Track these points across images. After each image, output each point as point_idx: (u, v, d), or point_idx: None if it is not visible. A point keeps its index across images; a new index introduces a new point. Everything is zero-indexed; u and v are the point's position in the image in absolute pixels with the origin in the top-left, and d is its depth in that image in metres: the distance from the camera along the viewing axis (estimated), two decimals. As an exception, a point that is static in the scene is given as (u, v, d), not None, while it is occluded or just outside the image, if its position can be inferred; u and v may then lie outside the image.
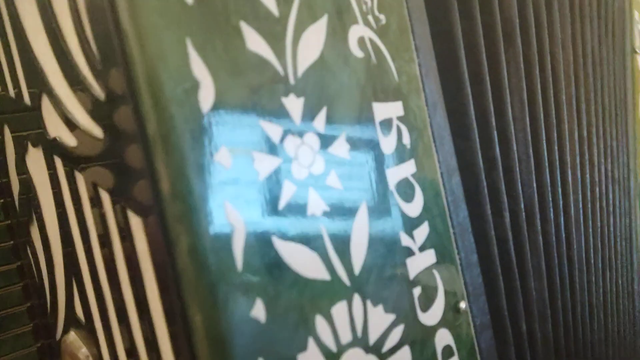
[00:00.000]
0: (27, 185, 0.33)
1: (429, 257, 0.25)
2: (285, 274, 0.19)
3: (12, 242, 0.38)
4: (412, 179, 0.25)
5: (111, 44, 0.18)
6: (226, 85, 0.18)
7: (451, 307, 0.26)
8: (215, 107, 0.18)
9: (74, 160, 0.24)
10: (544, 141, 0.33)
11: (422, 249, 0.25)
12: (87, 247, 0.26)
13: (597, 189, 0.37)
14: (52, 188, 0.28)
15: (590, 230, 0.36)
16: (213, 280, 0.17)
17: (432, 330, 0.25)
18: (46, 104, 0.27)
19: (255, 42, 0.19)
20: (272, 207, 0.19)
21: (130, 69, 0.17)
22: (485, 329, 0.28)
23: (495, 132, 0.31)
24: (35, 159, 0.31)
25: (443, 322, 0.26)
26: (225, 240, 0.18)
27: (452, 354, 0.26)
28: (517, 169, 0.32)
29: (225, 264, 0.18)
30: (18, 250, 0.38)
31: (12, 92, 0.31)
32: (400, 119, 0.25)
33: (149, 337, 0.20)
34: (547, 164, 0.33)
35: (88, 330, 0.29)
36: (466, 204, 0.29)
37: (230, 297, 0.18)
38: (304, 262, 0.20)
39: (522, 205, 0.32)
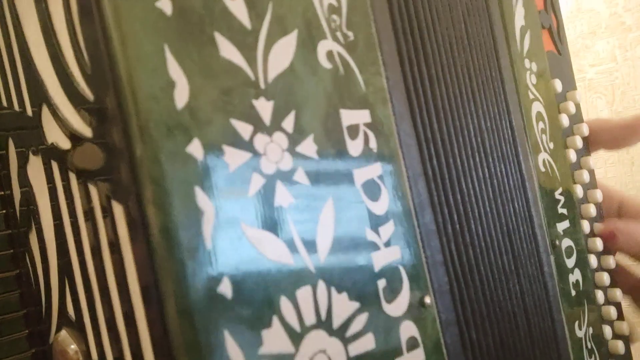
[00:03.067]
0: (27, 197, 0.36)
1: (394, 252, 0.27)
2: (252, 256, 0.21)
3: (11, 250, 0.40)
4: (378, 180, 0.28)
5: (99, 50, 0.20)
6: (200, 86, 0.21)
7: (416, 301, 0.28)
8: (189, 104, 0.20)
9: (67, 162, 0.27)
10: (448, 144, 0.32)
11: (387, 244, 0.27)
12: (78, 244, 0.28)
13: (495, 181, 0.35)
14: (49, 191, 0.31)
15: (499, 232, 0.35)
16: (183, 257, 0.19)
17: (397, 321, 0.27)
18: (45, 114, 0.29)
19: (228, 50, 0.22)
20: (241, 196, 0.22)
21: (114, 71, 0.20)
22: (450, 325, 0.30)
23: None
24: (35, 167, 0.33)
25: (408, 315, 0.27)
26: (195, 222, 0.20)
27: (416, 346, 0.27)
28: (447, 179, 0.32)
29: (194, 243, 0.20)
30: (17, 259, 0.40)
31: (16, 106, 0.34)
32: (367, 125, 0.28)
33: (128, 315, 0.22)
34: (452, 163, 0.33)
35: (78, 326, 0.31)
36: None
37: (199, 273, 0.20)
38: (270, 247, 0.22)
39: (456, 217, 0.32)
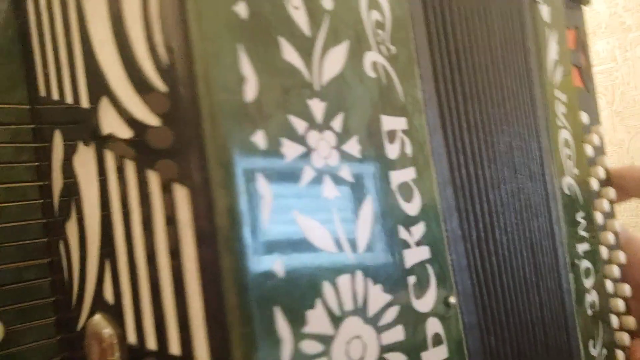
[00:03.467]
0: (71, 187, 0.37)
1: (424, 252, 0.29)
2: (301, 240, 0.23)
3: (46, 239, 0.42)
4: (411, 184, 0.30)
5: (178, 48, 0.22)
6: (265, 83, 0.23)
7: (442, 300, 0.30)
8: (256, 99, 0.23)
9: (125, 150, 0.29)
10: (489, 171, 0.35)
11: (418, 244, 0.29)
12: (127, 230, 0.29)
13: (522, 196, 0.37)
14: (99, 180, 0.32)
15: (523, 244, 0.37)
16: (244, 236, 0.21)
17: (424, 316, 0.28)
18: (104, 106, 0.31)
19: (289, 53, 0.24)
20: (294, 185, 0.23)
21: (192, 66, 0.22)
22: (473, 328, 0.32)
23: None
24: (83, 158, 0.35)
25: (434, 312, 0.29)
26: (256, 204, 0.22)
27: (441, 342, 0.29)
28: (475, 189, 0.34)
29: (254, 224, 0.22)
30: (51, 247, 0.41)
31: (69, 100, 0.36)
32: (404, 132, 0.30)
33: (180, 296, 0.24)
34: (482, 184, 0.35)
35: (115, 311, 0.33)
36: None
37: (257, 251, 0.21)
38: (316, 235, 0.24)
39: (482, 225, 0.34)
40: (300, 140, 0.24)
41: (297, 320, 0.22)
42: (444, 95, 0.34)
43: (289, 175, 0.23)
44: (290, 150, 0.23)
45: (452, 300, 0.30)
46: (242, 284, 0.21)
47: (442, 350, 0.29)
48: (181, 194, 0.24)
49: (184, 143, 0.22)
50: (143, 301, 0.29)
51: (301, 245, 0.23)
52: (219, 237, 0.21)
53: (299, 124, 0.24)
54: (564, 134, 0.44)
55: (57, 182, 0.39)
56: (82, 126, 0.35)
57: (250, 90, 0.22)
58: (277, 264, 0.22)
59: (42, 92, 0.40)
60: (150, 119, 0.26)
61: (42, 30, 0.39)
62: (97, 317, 0.35)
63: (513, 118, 0.38)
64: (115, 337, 0.33)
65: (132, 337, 0.31)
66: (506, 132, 0.37)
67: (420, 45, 0.33)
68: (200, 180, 0.22)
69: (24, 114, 0.42)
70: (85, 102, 0.34)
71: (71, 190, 0.37)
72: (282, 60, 0.24)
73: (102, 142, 0.32)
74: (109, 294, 0.33)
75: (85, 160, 0.35)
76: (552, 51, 0.45)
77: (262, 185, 0.22)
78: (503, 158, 0.36)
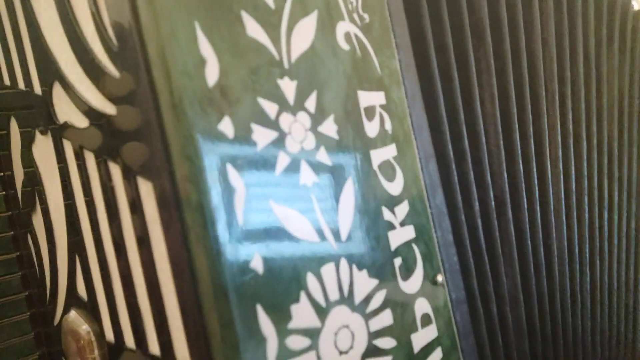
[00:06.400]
0: (32, 177, 0.35)
1: (409, 232, 0.28)
2: (281, 233, 0.22)
3: (12, 232, 0.39)
4: (393, 161, 0.28)
5: (128, 28, 0.20)
6: (229, 64, 0.21)
7: (429, 280, 0.29)
8: (220, 82, 0.20)
9: (83, 141, 0.27)
10: (517, 134, 0.36)
11: (402, 224, 0.28)
12: (93, 223, 0.28)
13: (586, 182, 0.40)
14: (60, 171, 0.30)
15: (575, 220, 0.39)
16: (218, 233, 0.20)
17: (412, 298, 0.27)
18: (57, 92, 0.29)
19: (254, 29, 0.22)
20: (269, 174, 0.22)
21: (145, 48, 0.19)
22: (460, 303, 0.31)
23: (464, 126, 0.33)
24: (42, 147, 0.33)
25: (422, 292, 0.28)
26: (227, 199, 0.20)
27: (430, 322, 0.28)
28: (487, 160, 0.34)
29: (228, 219, 0.20)
30: (18, 241, 0.39)
31: (21, 85, 0.34)
32: (382, 107, 0.28)
33: (154, 294, 0.22)
34: (520, 156, 0.36)
35: (90, 308, 0.31)
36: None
37: (233, 249, 0.20)
38: (296, 225, 0.22)
39: (492, 195, 0.34)
40: (272, 124, 0.22)
41: (281, 316, 0.21)
42: (429, 64, 0.32)
43: (262, 164, 0.22)
44: (262, 136, 0.22)
45: (440, 278, 0.29)
46: (220, 284, 0.19)
47: (432, 330, 0.28)
48: (145, 187, 0.22)
49: (144, 134, 0.20)
50: (117, 297, 0.27)
51: (280, 236, 0.22)
52: (190, 235, 0.19)
53: (270, 107, 0.22)
54: None
55: (19, 172, 0.37)
56: (37, 113, 0.32)
57: (212, 73, 0.20)
58: (255, 259, 0.21)
59: (-8, 77, 0.37)
60: (106, 106, 0.24)
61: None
62: (73, 314, 0.33)
63: (603, 124, 0.41)
64: (93, 334, 0.31)
65: (109, 334, 0.30)
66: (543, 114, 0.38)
67: (395, 11, 0.31)
68: (164, 175, 0.20)
69: (-26, 101, 0.39)
70: (37, 88, 0.32)
71: (33, 180, 0.35)
72: (246, 37, 0.22)
73: (59, 130, 0.30)
74: (81, 289, 0.32)
75: (43, 149, 0.33)
76: None
77: (234, 177, 0.20)
78: (558, 138, 0.38)
